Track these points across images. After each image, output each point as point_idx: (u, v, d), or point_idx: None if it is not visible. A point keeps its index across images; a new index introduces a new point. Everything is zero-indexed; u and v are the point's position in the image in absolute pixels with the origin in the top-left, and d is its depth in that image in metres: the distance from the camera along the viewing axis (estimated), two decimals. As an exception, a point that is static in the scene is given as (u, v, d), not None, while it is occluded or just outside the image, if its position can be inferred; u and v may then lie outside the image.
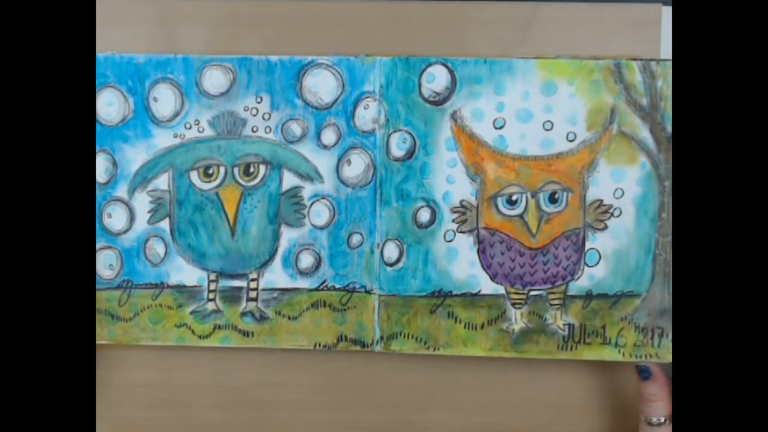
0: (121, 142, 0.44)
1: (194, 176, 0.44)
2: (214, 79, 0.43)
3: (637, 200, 0.43)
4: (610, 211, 0.43)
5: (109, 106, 0.44)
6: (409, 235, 0.43)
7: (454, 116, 0.43)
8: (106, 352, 0.47)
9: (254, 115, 0.44)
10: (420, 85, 0.43)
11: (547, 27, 0.44)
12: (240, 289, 0.44)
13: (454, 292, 0.43)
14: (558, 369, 0.46)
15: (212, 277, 0.44)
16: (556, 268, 0.43)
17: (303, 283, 0.44)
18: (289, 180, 0.44)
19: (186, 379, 0.47)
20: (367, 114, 0.43)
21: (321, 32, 0.45)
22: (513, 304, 0.43)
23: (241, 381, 0.47)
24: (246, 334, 0.44)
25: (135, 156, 0.44)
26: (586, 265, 0.43)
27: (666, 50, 0.44)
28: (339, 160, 0.44)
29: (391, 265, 0.44)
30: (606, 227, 0.43)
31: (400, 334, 0.44)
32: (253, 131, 0.44)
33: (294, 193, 0.44)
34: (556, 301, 0.43)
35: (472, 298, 0.43)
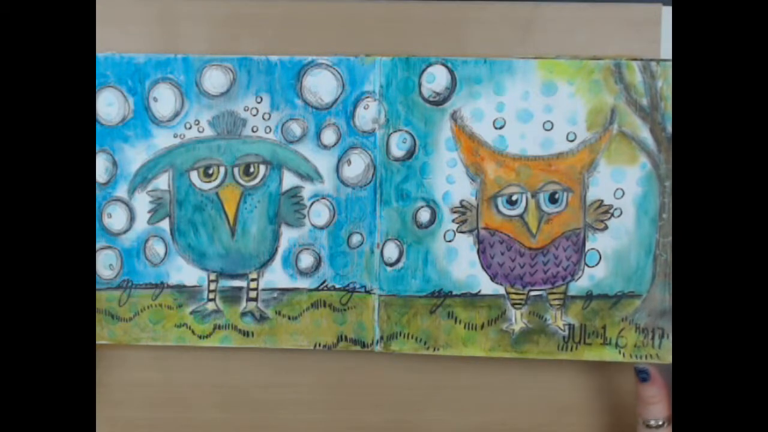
0: (121, 142, 0.44)
1: (194, 176, 0.44)
2: (214, 79, 0.43)
3: (637, 200, 0.43)
4: (611, 211, 0.43)
5: (109, 106, 0.44)
6: (409, 235, 0.43)
7: (454, 116, 0.43)
8: (106, 352, 0.47)
9: (254, 115, 0.44)
10: (420, 85, 0.43)
11: (547, 27, 0.44)
12: (240, 289, 0.44)
13: (454, 293, 0.43)
14: (558, 369, 0.46)
15: (212, 277, 0.44)
16: (557, 268, 0.43)
17: (303, 283, 0.44)
18: (289, 180, 0.44)
19: (186, 379, 0.47)
20: (367, 114, 0.43)
21: (321, 32, 0.45)
22: (513, 305, 0.43)
23: (241, 381, 0.47)
24: (246, 334, 0.44)
25: (135, 156, 0.44)
26: (587, 265, 0.43)
27: (666, 50, 0.44)
28: (339, 160, 0.44)
29: (391, 265, 0.44)
30: (606, 227, 0.43)
31: (400, 334, 0.44)
32: (253, 131, 0.44)
33: (294, 193, 0.44)
34: (556, 302, 0.43)
35: (472, 299, 0.43)
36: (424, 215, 0.43)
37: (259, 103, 0.43)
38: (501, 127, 0.43)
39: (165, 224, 0.44)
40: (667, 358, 0.43)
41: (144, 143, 0.44)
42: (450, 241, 0.43)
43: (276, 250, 0.44)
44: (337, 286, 0.44)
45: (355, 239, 0.44)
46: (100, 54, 0.44)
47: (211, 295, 0.44)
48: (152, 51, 0.44)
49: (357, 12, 0.45)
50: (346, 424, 0.47)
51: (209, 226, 0.44)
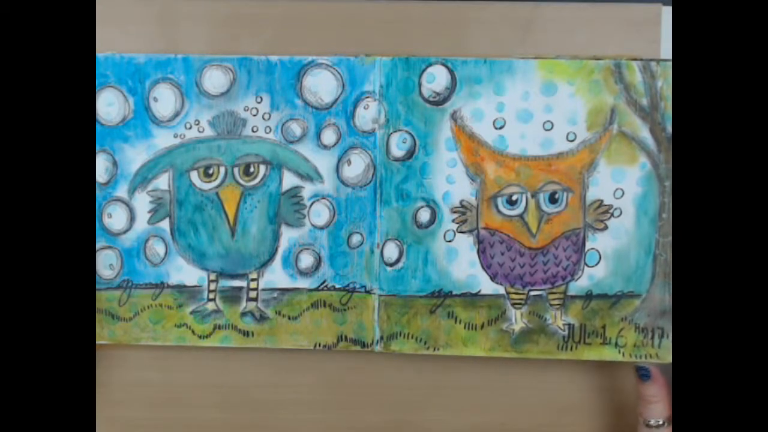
0: (121, 142, 0.44)
1: (194, 176, 0.44)
2: (214, 79, 0.43)
3: (637, 200, 0.43)
4: (610, 211, 0.43)
5: (110, 106, 0.44)
6: (409, 235, 0.43)
7: (454, 116, 0.43)
8: (106, 352, 0.47)
9: (254, 115, 0.44)
10: (420, 85, 0.43)
11: (547, 27, 0.44)
12: (240, 289, 0.44)
13: (454, 292, 0.43)
14: (558, 369, 0.46)
15: (212, 277, 0.44)
16: (556, 268, 0.43)
17: (303, 283, 0.44)
18: (289, 180, 0.44)
19: (186, 379, 0.47)
20: (367, 114, 0.43)
21: (321, 32, 0.45)
22: (513, 304, 0.43)
23: (241, 381, 0.47)
24: (246, 334, 0.44)
25: (135, 156, 0.44)
26: (586, 265, 0.43)
27: (666, 50, 0.44)
28: (339, 160, 0.44)
29: (391, 265, 0.44)
30: (606, 227, 0.43)
31: (400, 334, 0.44)
32: (253, 131, 0.44)
33: (294, 193, 0.44)
34: (556, 302, 0.43)
35: (472, 298, 0.43)
36: (424, 215, 0.43)
37: (259, 103, 0.43)
38: (501, 127, 0.43)
39: (165, 224, 0.44)
40: (667, 357, 0.43)
41: (144, 143, 0.44)
42: (450, 241, 0.43)
43: (276, 250, 0.44)
44: (337, 286, 0.44)
45: (355, 239, 0.44)
46: (100, 54, 0.44)
47: (211, 295, 0.44)
48: (152, 51, 0.44)
49: (357, 12, 0.45)
50: (346, 424, 0.47)
51: (209, 226, 0.44)
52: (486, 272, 0.43)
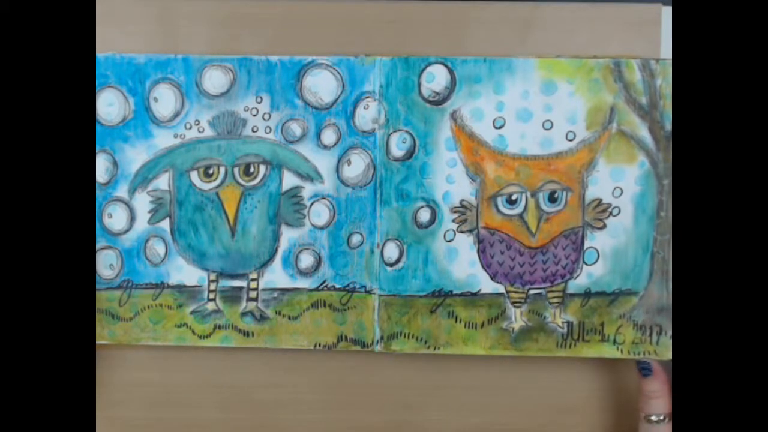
0: (121, 142, 0.44)
1: (194, 176, 0.44)
2: (215, 79, 0.43)
3: (635, 199, 0.43)
4: (609, 210, 0.43)
5: (110, 106, 0.44)
6: (409, 235, 0.43)
7: (453, 116, 0.43)
8: (106, 352, 0.46)
9: (254, 115, 0.44)
10: (420, 84, 0.43)
11: (547, 27, 0.44)
12: (240, 289, 0.44)
13: (454, 292, 0.43)
14: (557, 368, 0.46)
15: (212, 277, 0.44)
16: (556, 266, 0.43)
17: (303, 283, 0.44)
18: (289, 180, 0.44)
19: (186, 379, 0.47)
20: (367, 114, 0.43)
21: (321, 32, 0.45)
22: (513, 303, 0.43)
23: (241, 381, 0.47)
24: (246, 334, 0.44)
25: (135, 156, 0.44)
26: (585, 263, 0.43)
27: (666, 50, 0.44)
28: (339, 160, 0.44)
29: (391, 265, 0.44)
30: (605, 226, 0.43)
31: (401, 334, 0.44)
32: (253, 131, 0.44)
33: (294, 193, 0.44)
34: (555, 300, 0.43)
35: (472, 298, 0.43)
36: (424, 215, 0.43)
37: (259, 103, 0.43)
38: (501, 127, 0.43)
39: (165, 224, 0.44)
40: (665, 354, 0.43)
41: (144, 143, 0.44)
42: (450, 241, 0.43)
43: (276, 250, 0.44)
44: (337, 286, 0.44)
45: (355, 239, 0.44)
46: (100, 54, 0.43)
47: (212, 295, 0.44)
48: (152, 51, 0.44)
49: (357, 12, 0.45)
50: (346, 424, 0.47)
51: (209, 226, 0.44)
52: (486, 271, 0.43)
